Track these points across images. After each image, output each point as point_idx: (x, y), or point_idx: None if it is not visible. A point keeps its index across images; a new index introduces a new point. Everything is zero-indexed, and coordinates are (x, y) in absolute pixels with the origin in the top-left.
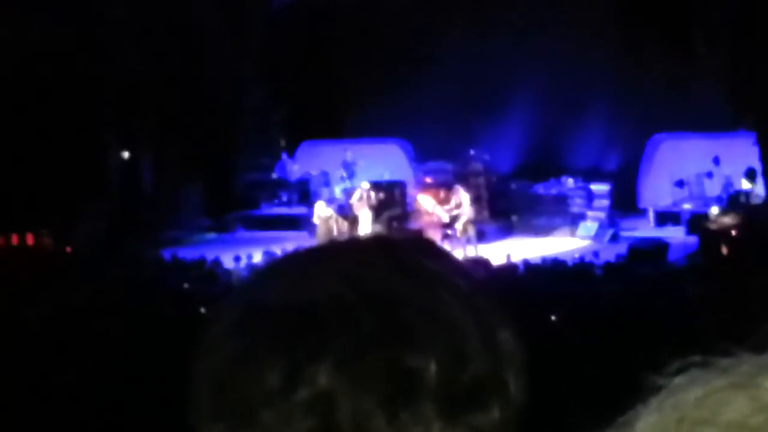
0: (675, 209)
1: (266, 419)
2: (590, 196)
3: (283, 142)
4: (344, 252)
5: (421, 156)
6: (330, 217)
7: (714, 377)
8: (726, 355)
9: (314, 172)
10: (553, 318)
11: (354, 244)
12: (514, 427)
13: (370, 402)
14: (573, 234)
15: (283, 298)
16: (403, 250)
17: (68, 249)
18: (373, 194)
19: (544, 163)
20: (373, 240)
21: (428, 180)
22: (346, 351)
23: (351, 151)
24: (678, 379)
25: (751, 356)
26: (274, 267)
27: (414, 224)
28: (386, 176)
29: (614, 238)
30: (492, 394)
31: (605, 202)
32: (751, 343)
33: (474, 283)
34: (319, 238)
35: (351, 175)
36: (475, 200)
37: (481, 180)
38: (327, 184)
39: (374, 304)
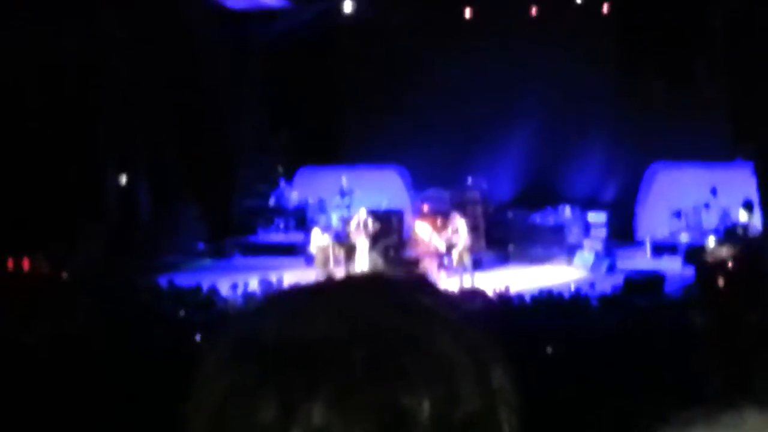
0: (672, 240)
1: None
2: (587, 226)
3: (281, 168)
4: (338, 290)
5: (418, 183)
6: (327, 245)
7: None
8: (730, 408)
9: (312, 200)
10: (549, 350)
11: (348, 281)
12: None
13: None
14: (569, 264)
15: (277, 334)
16: (397, 287)
17: (64, 274)
18: (370, 222)
19: (542, 192)
20: (368, 278)
21: (425, 207)
22: (340, 389)
23: (349, 177)
24: None
25: (754, 411)
26: (269, 302)
27: (411, 252)
28: (384, 204)
29: (611, 269)
30: None
31: (602, 232)
32: (754, 396)
33: (468, 321)
34: (317, 266)
35: (348, 203)
36: (472, 228)
37: (479, 208)
38: (324, 211)
39: (367, 343)
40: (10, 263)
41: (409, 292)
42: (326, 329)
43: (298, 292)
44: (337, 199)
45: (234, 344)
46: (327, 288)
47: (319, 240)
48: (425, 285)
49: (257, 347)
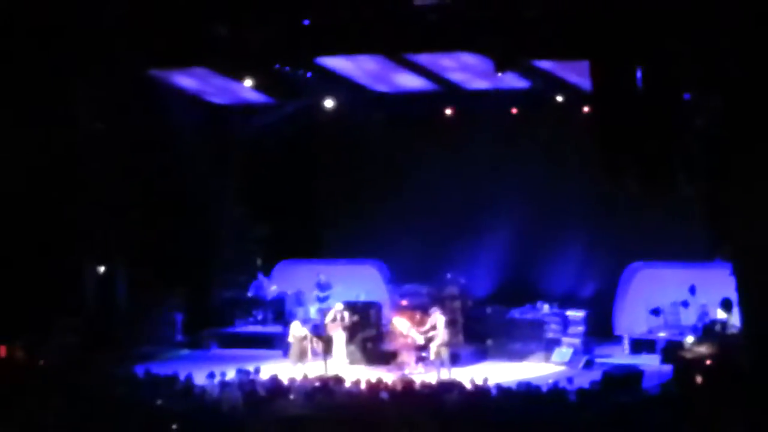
0: (650, 337)
1: None
2: (565, 322)
3: (259, 261)
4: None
5: (397, 278)
6: (305, 337)
7: None
8: None
9: (290, 292)
10: None
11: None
12: None
13: None
14: (547, 359)
15: None
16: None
17: (41, 362)
18: (347, 315)
19: (520, 288)
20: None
21: (404, 302)
22: None
23: (327, 271)
24: None
25: None
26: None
27: (388, 345)
28: (362, 297)
29: (589, 365)
30: None
31: (580, 329)
32: None
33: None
34: (292, 358)
35: (326, 297)
36: (451, 323)
37: (457, 303)
38: (302, 303)
39: None
40: None
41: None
42: None
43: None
44: (316, 292)
45: None
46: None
47: (297, 332)
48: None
49: None
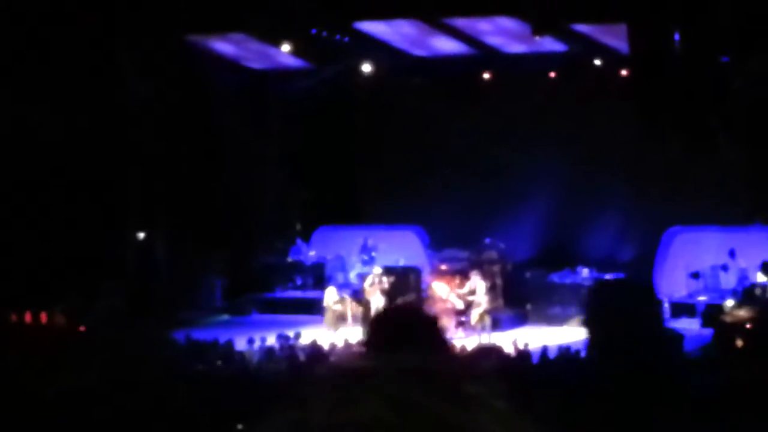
0: (690, 301)
1: None
2: None
3: (299, 226)
4: (385, 373)
5: (435, 243)
6: (341, 302)
7: None
8: None
9: (329, 257)
10: (567, 408)
11: (396, 365)
12: None
13: None
14: None
15: (325, 417)
16: (444, 374)
17: (82, 328)
18: (385, 279)
19: (560, 252)
20: (415, 363)
21: (443, 267)
22: None
23: (366, 237)
24: None
25: None
26: (315, 385)
27: (428, 310)
28: (401, 262)
29: None
30: None
31: None
32: None
33: (511, 402)
34: (327, 324)
35: (370, 260)
36: (490, 288)
37: (496, 268)
38: (342, 268)
39: (415, 427)
40: (28, 317)
41: (453, 376)
42: (374, 413)
43: (346, 374)
44: (360, 255)
45: (282, 427)
46: (376, 372)
47: (333, 297)
48: (468, 368)
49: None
